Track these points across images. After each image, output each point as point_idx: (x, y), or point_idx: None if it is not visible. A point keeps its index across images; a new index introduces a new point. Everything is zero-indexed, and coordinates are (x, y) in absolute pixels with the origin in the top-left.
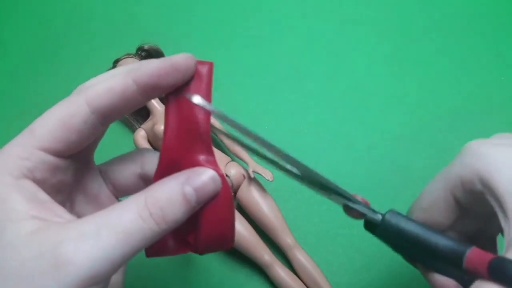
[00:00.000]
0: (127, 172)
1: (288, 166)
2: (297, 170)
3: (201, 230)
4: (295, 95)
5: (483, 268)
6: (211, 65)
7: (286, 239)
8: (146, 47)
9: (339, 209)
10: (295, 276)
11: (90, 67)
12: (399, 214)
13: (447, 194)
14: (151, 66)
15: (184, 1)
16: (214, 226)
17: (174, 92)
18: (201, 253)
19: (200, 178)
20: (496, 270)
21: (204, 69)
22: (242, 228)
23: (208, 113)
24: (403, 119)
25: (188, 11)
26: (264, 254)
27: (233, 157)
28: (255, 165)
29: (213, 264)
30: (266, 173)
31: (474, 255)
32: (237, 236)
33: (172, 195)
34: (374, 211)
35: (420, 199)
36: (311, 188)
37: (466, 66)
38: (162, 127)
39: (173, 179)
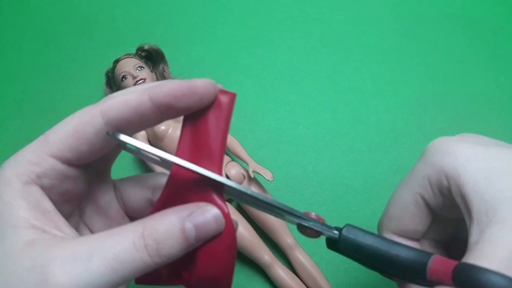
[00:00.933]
0: (138, 196)
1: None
2: (246, 196)
3: (197, 269)
4: (295, 95)
5: (448, 278)
6: (233, 96)
7: (286, 239)
8: (146, 47)
9: (339, 210)
10: (295, 276)
11: (90, 67)
12: (355, 228)
13: (417, 198)
14: (169, 85)
15: (184, 1)
16: (211, 268)
17: (192, 116)
18: None
19: (203, 216)
20: (461, 279)
21: (225, 99)
22: (242, 228)
23: (224, 142)
24: (403, 119)
25: (188, 11)
26: (264, 254)
27: (233, 157)
28: (255, 165)
29: None
30: (266, 173)
31: (437, 264)
32: (238, 236)
33: (170, 229)
34: (330, 227)
35: (389, 208)
36: (263, 211)
37: (466, 67)
38: (162, 127)
39: (175, 212)
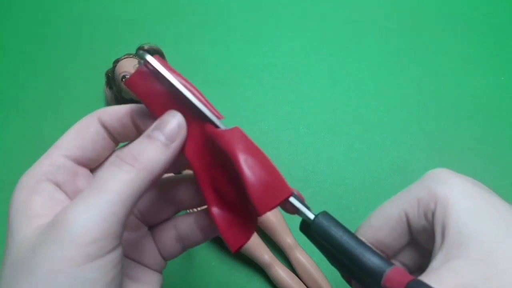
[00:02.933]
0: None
1: None
2: None
3: (246, 184)
4: (295, 95)
5: None
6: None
7: (286, 239)
8: (146, 47)
9: (339, 210)
10: (295, 276)
11: (90, 67)
12: (331, 217)
13: (401, 213)
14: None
15: (184, 1)
16: (255, 171)
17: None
18: (261, 210)
19: (164, 120)
20: None
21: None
22: None
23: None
24: (403, 119)
25: (188, 11)
26: (264, 254)
27: None
28: None
29: (213, 264)
30: None
31: (394, 274)
32: None
33: (139, 141)
34: (308, 208)
35: (371, 216)
36: None
37: (466, 67)
38: None
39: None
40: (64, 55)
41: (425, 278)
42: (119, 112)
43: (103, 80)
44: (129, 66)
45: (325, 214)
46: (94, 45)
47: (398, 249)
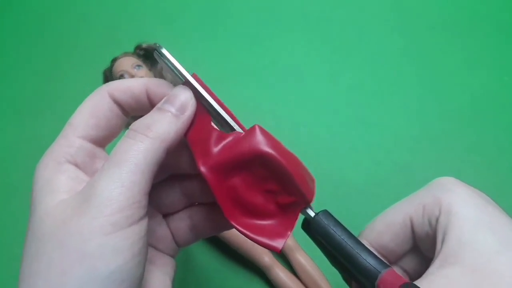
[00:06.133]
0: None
1: None
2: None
3: (292, 176)
4: (295, 95)
5: None
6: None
7: (287, 240)
8: (144, 45)
9: (340, 211)
10: (295, 278)
11: (88, 66)
12: (332, 216)
13: (406, 218)
14: (166, 85)
15: (183, 1)
16: (293, 164)
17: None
18: (310, 197)
19: (174, 94)
20: None
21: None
22: None
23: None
24: (404, 119)
25: (188, 9)
26: (264, 256)
27: None
28: None
29: (213, 266)
30: None
31: (388, 276)
32: (237, 238)
33: (151, 114)
34: (311, 207)
35: (375, 221)
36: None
37: (469, 67)
38: None
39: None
40: (62, 54)
41: (419, 282)
42: (133, 88)
43: (100, 78)
44: (126, 65)
45: (325, 212)
46: (91, 44)
47: (400, 255)
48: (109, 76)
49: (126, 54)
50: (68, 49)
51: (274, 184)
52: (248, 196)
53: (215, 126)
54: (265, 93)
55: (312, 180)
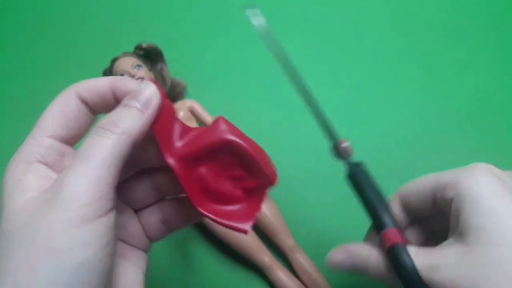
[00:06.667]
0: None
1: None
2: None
3: (256, 160)
4: (295, 95)
5: (387, 246)
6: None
7: (287, 241)
8: (144, 45)
9: (340, 211)
10: (295, 278)
11: (89, 66)
12: (367, 170)
13: (432, 187)
14: (130, 83)
15: (183, 1)
16: (256, 149)
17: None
18: (274, 179)
19: (139, 90)
20: (392, 252)
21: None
22: None
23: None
24: (404, 120)
25: (187, 9)
26: (264, 256)
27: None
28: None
29: (213, 266)
30: None
31: (392, 232)
32: (237, 238)
33: (117, 110)
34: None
35: (411, 182)
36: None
37: (469, 66)
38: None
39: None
40: (62, 54)
41: (424, 249)
42: (99, 87)
43: None
44: (126, 65)
45: (363, 165)
46: (91, 44)
47: (422, 218)
48: (109, 75)
49: (126, 54)
50: (68, 49)
51: (239, 170)
52: (216, 184)
53: (180, 119)
54: (265, 93)
55: (275, 166)
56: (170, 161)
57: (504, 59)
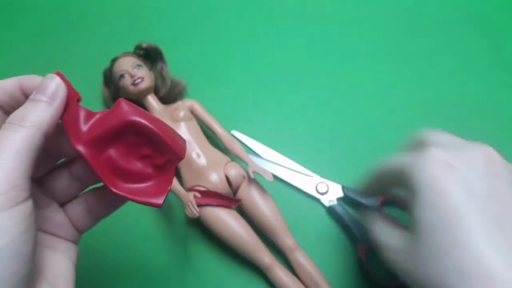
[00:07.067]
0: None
1: None
2: None
3: (162, 138)
4: (295, 95)
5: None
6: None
7: (287, 240)
8: (144, 45)
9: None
10: (295, 278)
11: (88, 66)
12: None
13: (391, 176)
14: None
15: (183, 1)
16: (161, 128)
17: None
18: (182, 154)
19: (44, 84)
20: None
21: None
22: (242, 230)
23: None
24: (404, 119)
25: (187, 9)
26: (264, 256)
27: (233, 157)
28: (255, 166)
29: (212, 266)
30: (266, 173)
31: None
32: (237, 238)
33: (25, 105)
34: None
35: (379, 164)
36: None
37: (468, 66)
38: None
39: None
40: (61, 54)
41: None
42: (6, 87)
43: (100, 78)
44: (127, 65)
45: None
46: (91, 44)
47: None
48: (109, 76)
49: (126, 54)
50: (68, 49)
51: (147, 149)
52: (126, 164)
53: (82, 106)
54: (265, 93)
55: (184, 141)
56: (78, 147)
57: (505, 60)
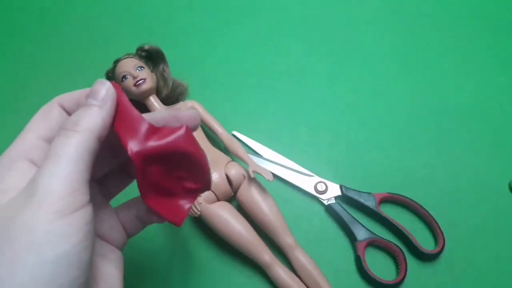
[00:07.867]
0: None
1: None
2: None
3: (204, 168)
4: (295, 95)
5: None
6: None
7: (287, 239)
8: (146, 47)
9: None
10: (295, 276)
11: (91, 67)
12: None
13: None
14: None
15: (184, 1)
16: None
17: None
18: (209, 185)
19: (95, 89)
20: None
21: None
22: (242, 228)
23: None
24: (403, 120)
25: (188, 11)
26: (264, 254)
27: (233, 157)
28: (255, 165)
29: (213, 264)
30: (266, 173)
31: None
32: (238, 236)
33: (78, 111)
34: None
35: None
36: None
37: (466, 66)
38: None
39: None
40: (64, 55)
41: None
42: (77, 96)
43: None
44: (129, 66)
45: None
46: (94, 45)
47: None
48: (111, 77)
49: (128, 55)
50: (71, 50)
51: (185, 172)
52: (162, 179)
53: (144, 116)
54: (265, 93)
55: (210, 174)
56: (132, 154)
57: (501, 60)
